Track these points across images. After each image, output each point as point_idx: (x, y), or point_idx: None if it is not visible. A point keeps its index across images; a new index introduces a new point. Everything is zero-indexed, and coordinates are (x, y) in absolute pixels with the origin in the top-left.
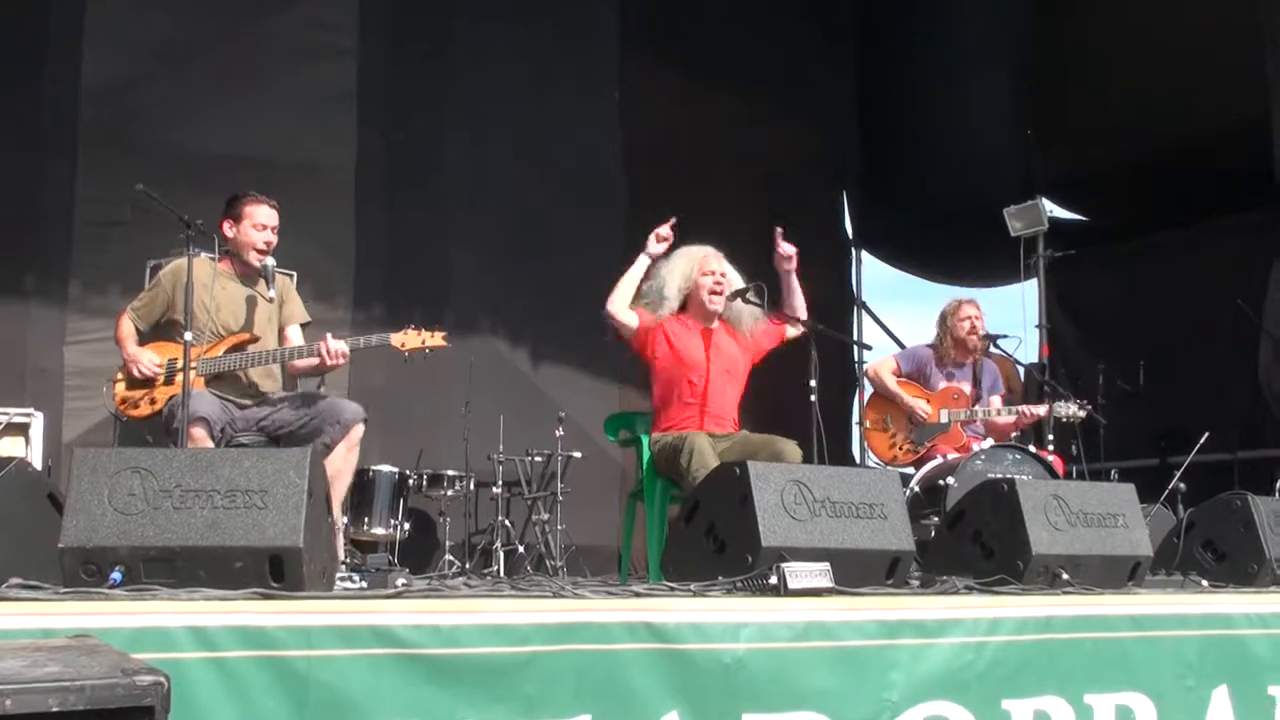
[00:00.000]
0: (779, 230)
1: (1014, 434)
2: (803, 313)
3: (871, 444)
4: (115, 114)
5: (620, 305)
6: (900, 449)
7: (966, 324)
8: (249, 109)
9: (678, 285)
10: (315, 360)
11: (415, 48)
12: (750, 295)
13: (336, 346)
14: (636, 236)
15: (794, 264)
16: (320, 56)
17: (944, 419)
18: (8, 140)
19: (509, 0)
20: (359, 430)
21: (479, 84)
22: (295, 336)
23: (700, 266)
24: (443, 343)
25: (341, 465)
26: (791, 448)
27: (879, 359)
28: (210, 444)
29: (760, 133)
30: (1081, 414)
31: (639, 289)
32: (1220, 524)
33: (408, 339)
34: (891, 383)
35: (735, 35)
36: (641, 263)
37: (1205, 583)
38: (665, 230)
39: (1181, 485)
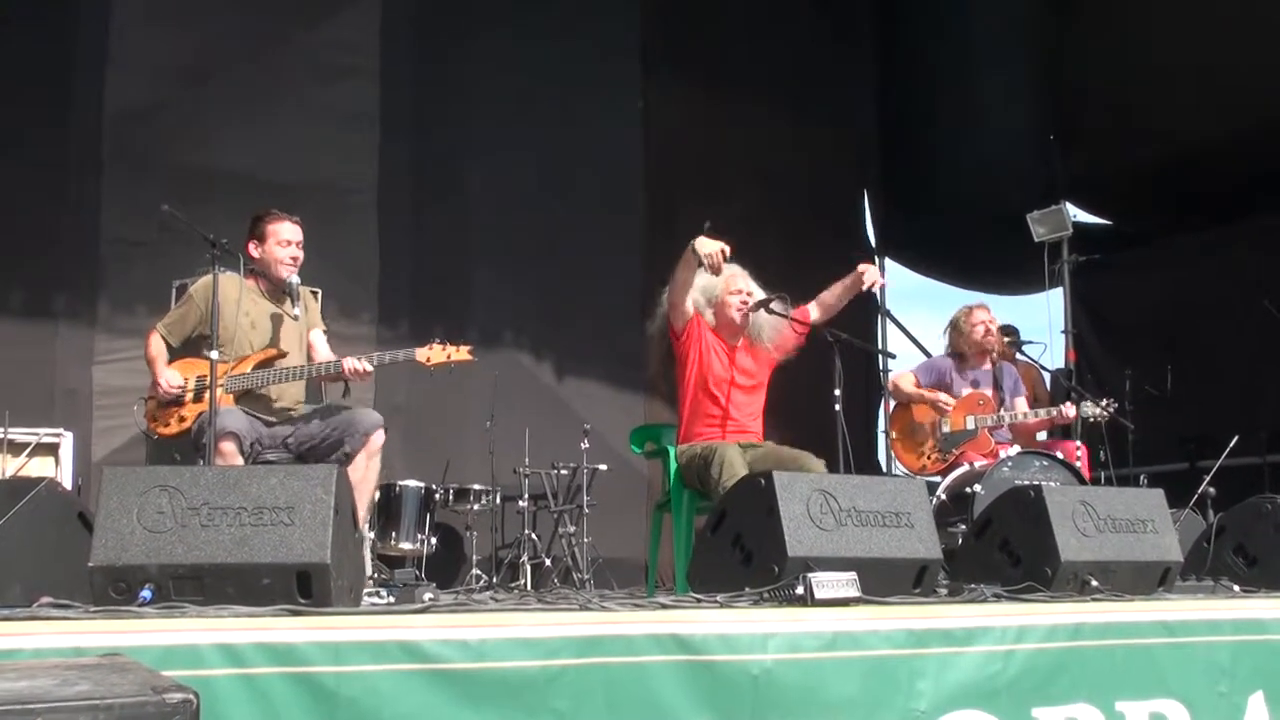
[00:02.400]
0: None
1: (1041, 434)
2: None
3: (899, 455)
4: (139, 136)
5: (689, 290)
6: (928, 458)
7: (980, 328)
8: (272, 129)
9: (704, 298)
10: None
11: (436, 65)
12: (775, 306)
13: (358, 366)
14: (657, 247)
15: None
16: (342, 76)
17: (970, 424)
18: (34, 163)
19: (530, 16)
20: (379, 437)
21: (500, 100)
22: (319, 341)
23: (727, 285)
24: (468, 357)
25: (364, 474)
26: (819, 466)
27: (897, 372)
28: (240, 459)
29: (781, 140)
30: (1106, 414)
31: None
32: (1251, 528)
33: (433, 354)
34: (912, 389)
35: (754, 44)
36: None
37: (1237, 588)
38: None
39: (1211, 490)
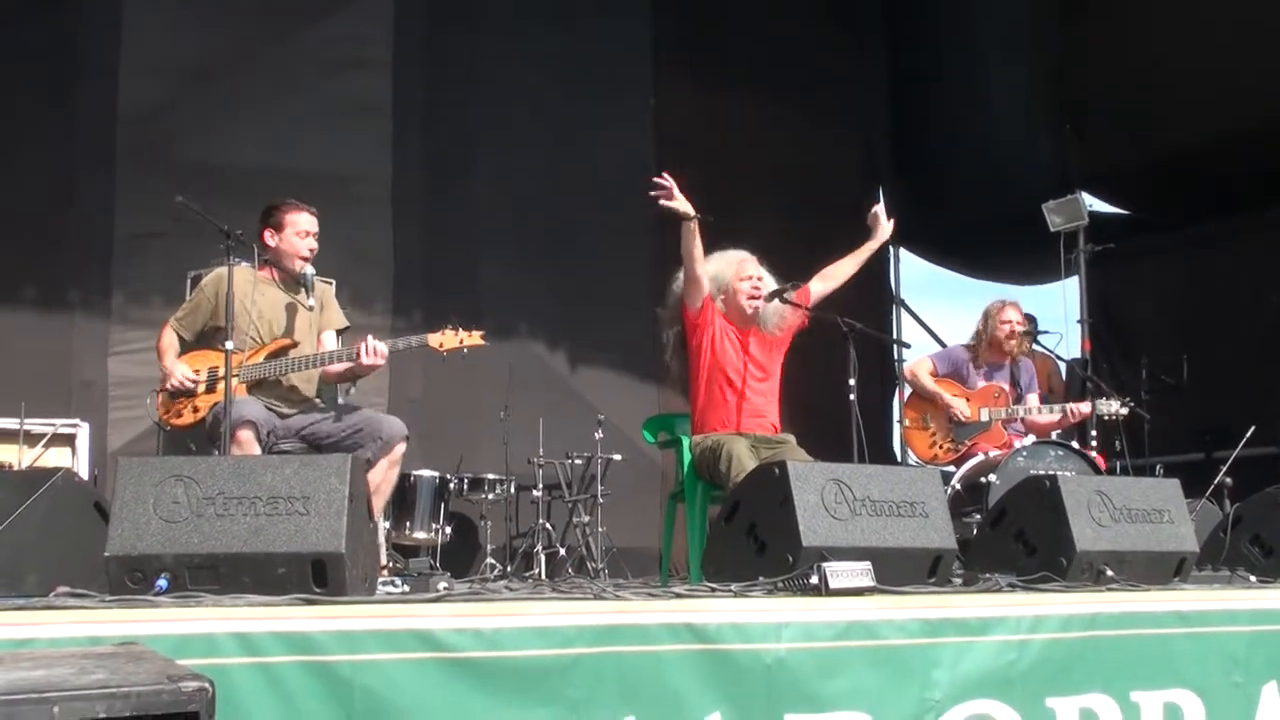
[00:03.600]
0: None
1: (1056, 432)
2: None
3: (912, 443)
4: (152, 131)
5: (699, 262)
6: (941, 447)
7: (1007, 328)
8: (284, 122)
9: (714, 286)
10: (350, 364)
11: (448, 58)
12: (788, 295)
13: (376, 345)
14: (668, 238)
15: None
16: (354, 68)
17: (985, 417)
18: (48, 157)
19: (542, 10)
20: (401, 448)
21: (512, 92)
22: (330, 343)
23: (738, 271)
24: (480, 342)
25: (381, 481)
26: None
27: (915, 360)
28: (257, 448)
29: (794, 134)
30: (1124, 411)
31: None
32: (1267, 518)
33: (446, 339)
34: (930, 382)
35: (766, 39)
36: (688, 229)
37: (1253, 578)
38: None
39: (1227, 480)
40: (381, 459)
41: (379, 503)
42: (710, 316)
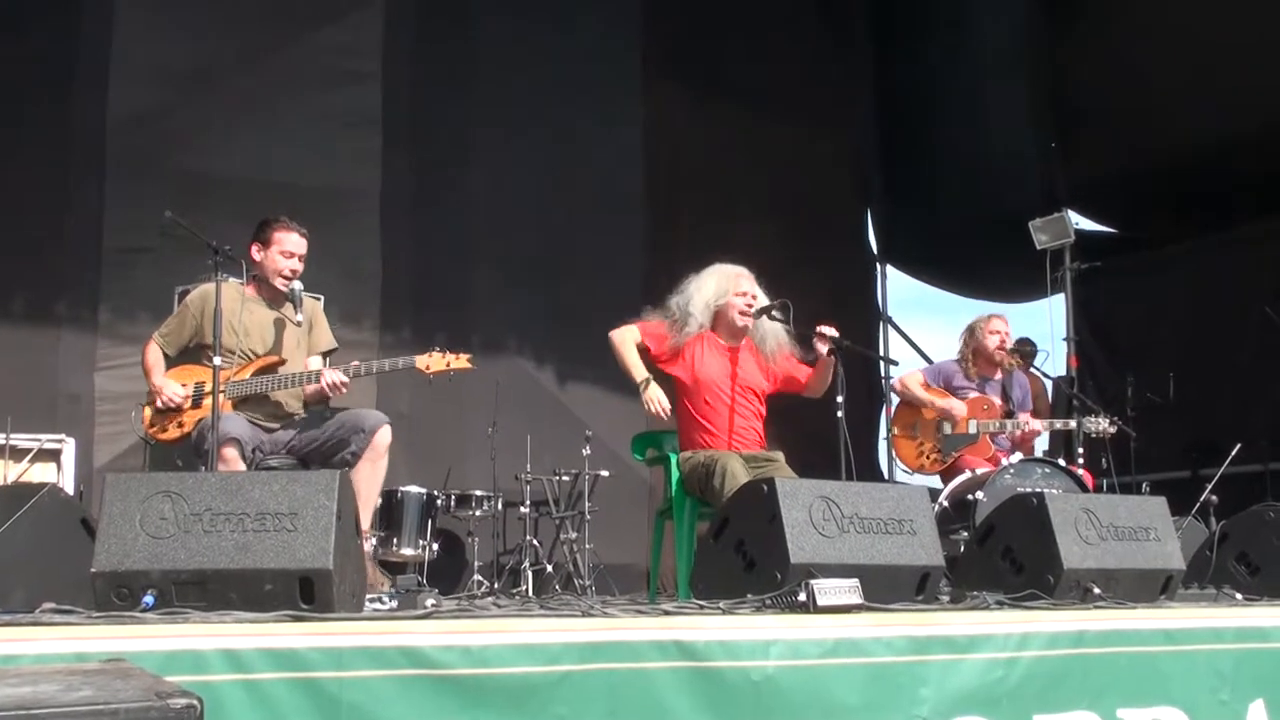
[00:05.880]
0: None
1: (1042, 444)
2: (824, 384)
3: (899, 451)
4: (142, 141)
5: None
6: (928, 458)
7: (995, 338)
8: (274, 134)
9: (708, 302)
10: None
11: (438, 71)
12: (775, 312)
13: (334, 379)
14: (659, 252)
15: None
16: (344, 81)
17: (973, 429)
18: (36, 169)
19: (531, 23)
20: (385, 434)
21: (502, 106)
22: (316, 366)
23: (733, 286)
24: (468, 365)
25: (370, 473)
26: None
27: (905, 372)
28: (242, 464)
29: (783, 150)
30: (1111, 429)
31: (666, 304)
32: (1254, 536)
33: (432, 361)
34: (921, 391)
35: (755, 50)
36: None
37: (1239, 596)
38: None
39: (1213, 497)
40: (367, 450)
41: (370, 496)
42: (673, 353)
